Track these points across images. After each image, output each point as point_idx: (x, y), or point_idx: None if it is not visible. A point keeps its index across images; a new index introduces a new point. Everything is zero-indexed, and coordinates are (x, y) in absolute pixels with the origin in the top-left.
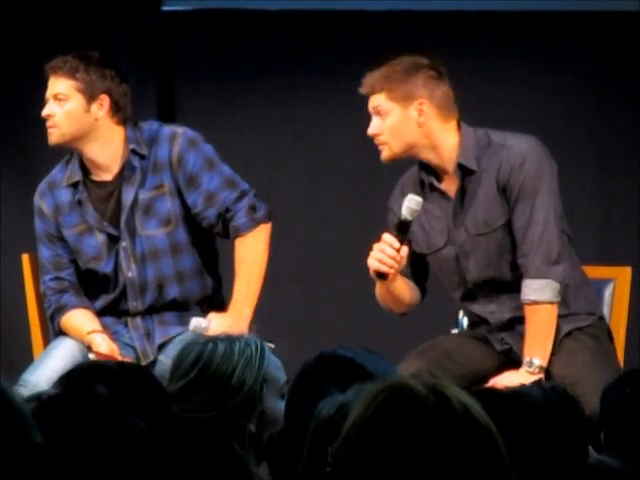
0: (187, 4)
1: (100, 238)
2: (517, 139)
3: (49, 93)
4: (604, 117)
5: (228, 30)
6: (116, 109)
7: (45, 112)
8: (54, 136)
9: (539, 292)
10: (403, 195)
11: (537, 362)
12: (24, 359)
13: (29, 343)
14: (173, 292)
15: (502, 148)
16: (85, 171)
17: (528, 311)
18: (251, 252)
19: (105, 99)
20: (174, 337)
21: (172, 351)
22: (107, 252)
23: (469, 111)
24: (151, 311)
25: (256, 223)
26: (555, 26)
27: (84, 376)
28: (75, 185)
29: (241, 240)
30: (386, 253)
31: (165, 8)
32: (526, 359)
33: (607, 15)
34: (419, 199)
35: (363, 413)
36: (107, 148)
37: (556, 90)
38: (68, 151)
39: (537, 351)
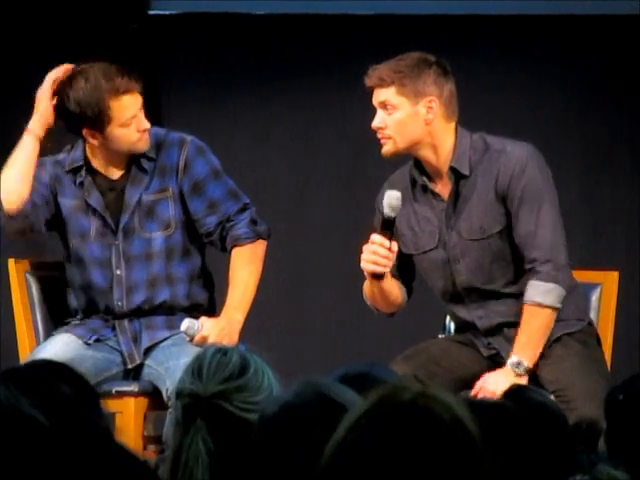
0: (174, 8)
1: (95, 223)
2: (515, 145)
3: (135, 109)
4: (591, 122)
5: (215, 34)
6: None
7: (146, 125)
8: (147, 143)
9: (545, 295)
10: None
11: (525, 364)
12: (10, 365)
13: (15, 349)
14: (163, 295)
15: (500, 154)
16: (88, 161)
17: (528, 312)
18: (248, 262)
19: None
20: (161, 342)
21: (159, 355)
22: (95, 237)
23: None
24: (139, 314)
25: (256, 236)
26: (550, 29)
27: (46, 376)
28: (77, 171)
29: (239, 250)
30: (379, 254)
31: (152, 12)
32: (514, 359)
33: (606, 18)
34: (397, 193)
35: (353, 422)
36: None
37: (543, 94)
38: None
39: (527, 353)
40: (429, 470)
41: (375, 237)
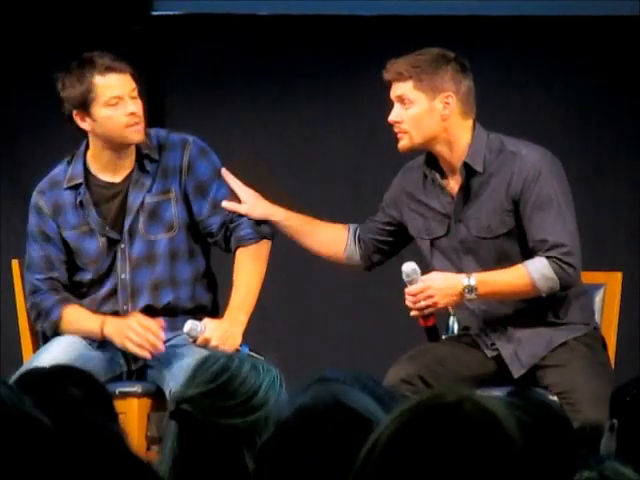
0: (176, 9)
1: (101, 241)
2: (531, 150)
3: (125, 90)
4: (594, 123)
5: (218, 35)
6: None
7: (134, 109)
8: (142, 134)
9: (543, 279)
10: (404, 176)
11: (473, 282)
12: (12, 367)
13: (19, 349)
14: (167, 298)
15: (515, 157)
16: (88, 172)
17: (516, 271)
18: (252, 263)
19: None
20: (164, 343)
21: (162, 356)
22: (106, 254)
23: None
24: None
25: (260, 236)
26: (551, 30)
27: (56, 379)
28: (76, 187)
29: (243, 250)
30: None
31: (155, 13)
32: (472, 282)
33: (606, 19)
34: (412, 265)
35: (391, 431)
36: (127, 153)
37: (544, 95)
38: (65, 154)
39: (484, 283)
40: (469, 474)
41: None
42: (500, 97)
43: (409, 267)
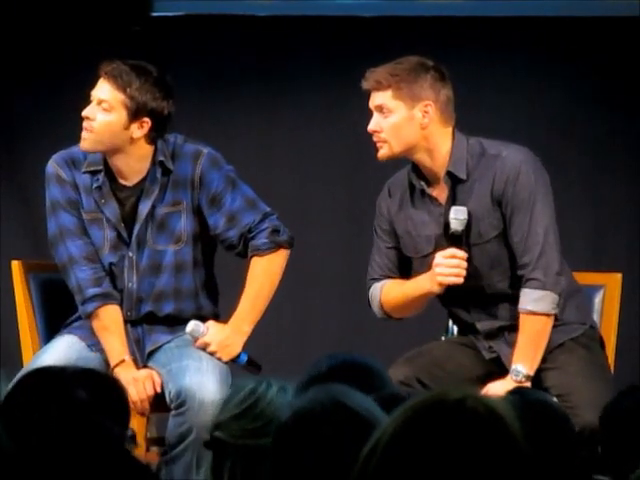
0: (176, 9)
1: (109, 234)
2: (511, 150)
3: (95, 94)
4: (594, 124)
5: (217, 35)
6: (155, 130)
7: (86, 112)
8: (87, 142)
9: (536, 303)
10: (391, 197)
11: (524, 371)
12: (12, 368)
13: (18, 350)
14: (168, 308)
15: (496, 159)
16: (107, 167)
17: (523, 320)
18: (264, 273)
19: (147, 122)
20: (164, 344)
21: (162, 358)
22: (109, 248)
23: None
24: (143, 321)
25: (276, 245)
26: (551, 31)
27: (64, 380)
28: (94, 173)
29: (257, 259)
30: (462, 267)
31: (154, 14)
32: (514, 367)
33: (606, 20)
34: (463, 208)
35: (395, 427)
36: (135, 162)
37: (544, 96)
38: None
39: (526, 360)
40: (472, 469)
41: (456, 252)
42: (500, 98)
43: (461, 210)
